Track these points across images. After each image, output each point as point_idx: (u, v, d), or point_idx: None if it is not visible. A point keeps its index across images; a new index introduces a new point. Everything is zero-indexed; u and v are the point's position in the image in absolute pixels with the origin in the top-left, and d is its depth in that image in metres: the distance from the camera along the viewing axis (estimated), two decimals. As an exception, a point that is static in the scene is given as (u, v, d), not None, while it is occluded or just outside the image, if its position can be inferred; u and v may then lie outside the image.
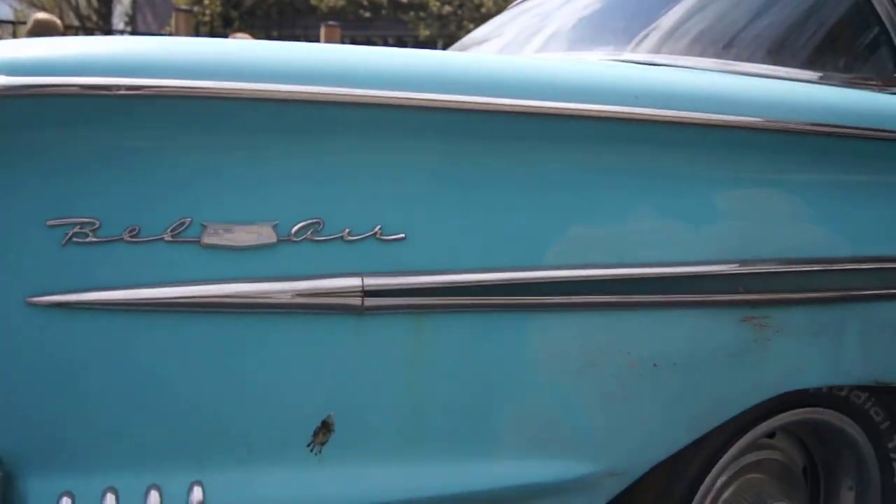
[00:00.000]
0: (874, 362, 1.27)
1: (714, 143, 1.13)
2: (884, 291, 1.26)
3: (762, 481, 1.42)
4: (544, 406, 1.06)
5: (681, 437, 1.16)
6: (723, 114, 1.10)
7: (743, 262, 1.14)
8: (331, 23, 9.61)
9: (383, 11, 14.49)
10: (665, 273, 1.09)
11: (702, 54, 1.50)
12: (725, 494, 1.38)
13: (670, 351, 1.12)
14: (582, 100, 1.02)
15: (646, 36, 1.59)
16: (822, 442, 1.45)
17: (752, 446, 1.40)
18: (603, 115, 1.02)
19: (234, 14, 14.44)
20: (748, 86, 1.24)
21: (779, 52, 1.46)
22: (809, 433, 1.44)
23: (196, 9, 13.30)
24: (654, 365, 1.11)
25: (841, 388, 1.32)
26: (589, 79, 1.07)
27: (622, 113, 1.02)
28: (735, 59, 1.46)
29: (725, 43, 1.51)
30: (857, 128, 1.22)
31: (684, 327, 1.12)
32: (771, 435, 1.45)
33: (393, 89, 0.95)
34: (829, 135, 1.19)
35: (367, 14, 14.42)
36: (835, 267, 1.21)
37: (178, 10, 9.38)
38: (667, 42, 1.56)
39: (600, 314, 1.07)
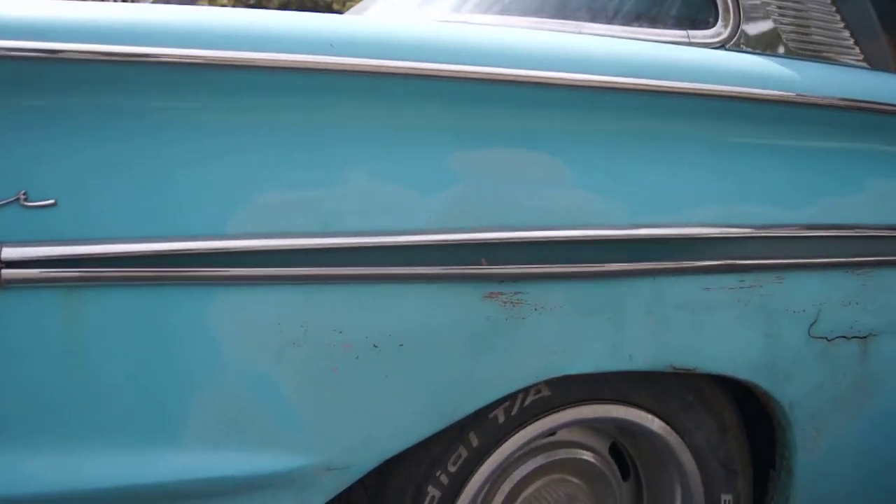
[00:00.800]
0: (667, 345, 1.12)
1: (443, 92, 1.00)
2: (676, 265, 1.11)
3: (571, 484, 1.27)
4: (234, 391, 0.95)
5: (418, 429, 1.03)
6: (449, 63, 0.98)
7: (483, 231, 1.01)
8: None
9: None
10: (379, 242, 0.96)
11: (523, 14, 1.37)
12: (526, 493, 1.25)
13: (395, 330, 0.99)
14: (254, 49, 0.90)
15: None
16: (638, 444, 1.30)
17: (557, 444, 1.26)
18: (277, 64, 0.90)
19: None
20: (496, 36, 1.10)
21: (597, 9, 1.32)
22: (622, 434, 1.30)
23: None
24: (375, 346, 0.98)
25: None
26: (276, 27, 0.95)
27: (305, 62, 0.91)
28: (551, 18, 1.33)
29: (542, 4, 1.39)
30: (654, 82, 1.08)
31: (411, 304, 0.99)
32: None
33: (36, 39, 0.86)
34: (597, 88, 1.05)
35: (389, 13, 14.37)
36: (608, 236, 1.06)
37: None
38: (490, 4, 1.44)
39: (299, 288, 0.95)
